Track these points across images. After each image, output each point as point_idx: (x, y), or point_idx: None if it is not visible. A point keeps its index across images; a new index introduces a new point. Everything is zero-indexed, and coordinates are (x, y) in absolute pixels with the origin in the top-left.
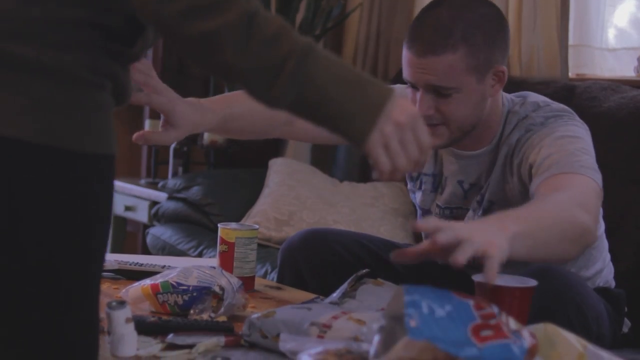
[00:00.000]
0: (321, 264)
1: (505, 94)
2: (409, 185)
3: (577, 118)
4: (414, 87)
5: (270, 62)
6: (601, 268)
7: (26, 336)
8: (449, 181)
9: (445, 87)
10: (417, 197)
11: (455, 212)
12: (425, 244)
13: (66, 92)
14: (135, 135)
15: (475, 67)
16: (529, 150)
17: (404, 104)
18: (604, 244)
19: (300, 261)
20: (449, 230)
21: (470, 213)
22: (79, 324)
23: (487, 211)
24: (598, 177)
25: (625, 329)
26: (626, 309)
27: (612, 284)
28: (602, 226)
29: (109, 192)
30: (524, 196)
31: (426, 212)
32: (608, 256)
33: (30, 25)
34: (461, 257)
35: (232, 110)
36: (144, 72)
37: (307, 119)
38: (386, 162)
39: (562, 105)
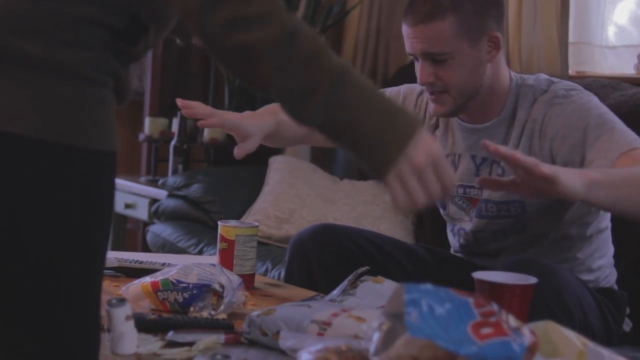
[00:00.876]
0: (331, 257)
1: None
2: None
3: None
4: (416, 58)
5: (306, 83)
6: (605, 264)
7: (28, 335)
8: (463, 157)
9: (439, 53)
10: None
11: (468, 192)
12: (511, 177)
13: (70, 89)
14: (236, 153)
15: (466, 33)
16: (570, 132)
17: (428, 142)
18: (609, 240)
19: (310, 254)
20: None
21: (481, 192)
22: (80, 322)
23: None
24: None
25: (626, 328)
26: (628, 310)
27: (613, 276)
28: (606, 219)
29: (110, 188)
30: None
31: None
32: (612, 259)
33: (37, 22)
34: (542, 170)
35: (279, 117)
36: (207, 113)
37: (332, 140)
38: (403, 198)
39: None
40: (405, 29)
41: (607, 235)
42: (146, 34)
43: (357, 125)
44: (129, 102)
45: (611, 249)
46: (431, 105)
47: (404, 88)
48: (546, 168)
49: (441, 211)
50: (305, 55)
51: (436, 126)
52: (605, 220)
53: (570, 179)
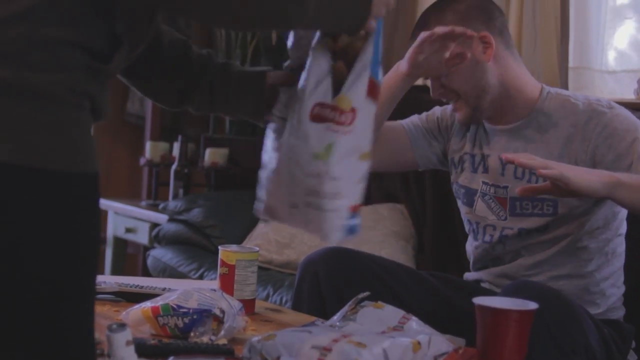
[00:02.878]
0: (341, 280)
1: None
2: (452, 176)
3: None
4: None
5: None
6: (617, 295)
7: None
8: (491, 158)
9: None
10: (461, 178)
11: (497, 191)
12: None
13: (43, 112)
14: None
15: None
16: (617, 141)
17: None
18: (622, 275)
19: (321, 276)
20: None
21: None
22: (72, 346)
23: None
24: None
25: (630, 359)
26: (634, 344)
27: (621, 312)
28: (622, 244)
29: (92, 211)
30: None
31: (471, 192)
32: (622, 297)
33: (7, 46)
34: (543, 173)
35: None
36: None
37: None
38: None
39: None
40: None
41: (621, 264)
42: (119, 50)
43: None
44: (126, 125)
45: (623, 287)
46: (456, 116)
47: (437, 110)
48: (550, 170)
49: (464, 210)
50: None
51: (467, 129)
52: (621, 246)
53: (585, 177)
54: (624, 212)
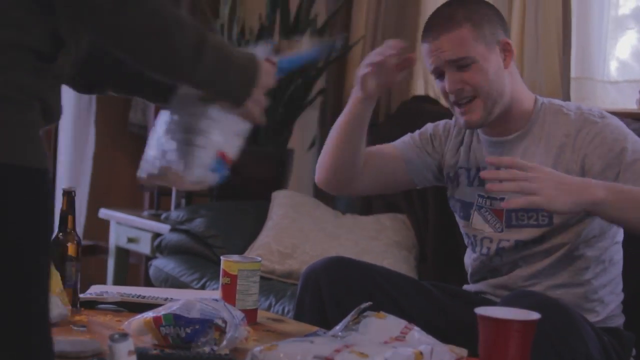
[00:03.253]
0: (343, 290)
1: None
2: (449, 191)
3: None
4: (440, 75)
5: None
6: (616, 302)
7: None
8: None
9: (463, 58)
10: (457, 192)
11: (494, 204)
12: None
13: None
14: None
15: (482, 38)
16: (607, 152)
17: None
18: (621, 282)
19: (322, 286)
20: (521, 181)
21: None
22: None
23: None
24: None
25: None
26: (635, 352)
27: (621, 319)
28: (619, 252)
29: (41, 206)
30: None
31: (467, 206)
32: (621, 305)
33: None
34: (510, 204)
35: None
36: None
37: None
38: (259, 113)
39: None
40: (426, 47)
41: (619, 272)
42: (64, 49)
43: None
44: (128, 134)
45: (622, 295)
46: (461, 119)
47: (429, 127)
48: (517, 200)
49: (461, 223)
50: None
51: (461, 143)
52: (618, 254)
53: (559, 199)
54: None
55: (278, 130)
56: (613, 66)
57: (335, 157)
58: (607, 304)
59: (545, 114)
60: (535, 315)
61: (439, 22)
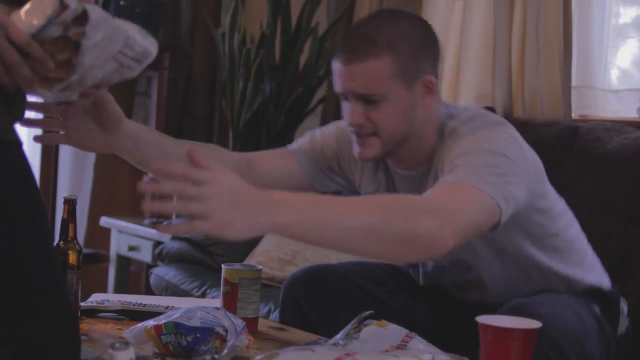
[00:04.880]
0: (321, 300)
1: (448, 107)
2: None
3: (515, 134)
4: (345, 98)
5: None
6: (584, 272)
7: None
8: None
9: (372, 94)
10: None
11: None
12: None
13: None
14: None
15: (401, 74)
16: (445, 158)
17: None
18: (583, 248)
19: (300, 300)
20: (191, 199)
21: None
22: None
23: None
24: (497, 192)
25: (622, 329)
26: (626, 309)
27: (606, 284)
28: (573, 227)
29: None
30: None
31: None
32: (595, 261)
33: None
34: (175, 230)
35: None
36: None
37: None
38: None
39: (501, 119)
40: (337, 67)
41: (578, 244)
42: None
43: None
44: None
45: (587, 251)
46: (356, 149)
47: (335, 129)
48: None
49: None
50: None
51: (376, 170)
52: (570, 230)
53: (235, 224)
54: (549, 202)
55: (279, 138)
56: (614, 75)
57: None
58: (570, 267)
59: (440, 141)
60: (537, 324)
61: (357, 45)
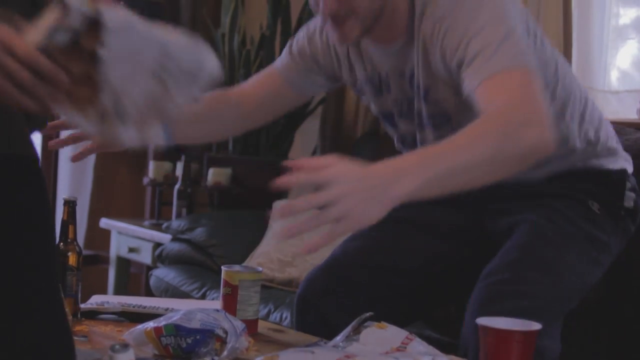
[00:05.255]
0: (344, 307)
1: None
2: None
3: None
4: None
5: None
6: (597, 125)
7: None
8: (392, 75)
9: None
10: (372, 107)
11: (411, 106)
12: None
13: None
14: None
15: None
16: (450, 44)
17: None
18: (589, 103)
19: (322, 310)
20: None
21: (417, 104)
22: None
23: (427, 99)
24: (528, 60)
25: (630, 203)
26: (629, 185)
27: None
28: (569, 77)
29: (30, 195)
30: (456, 91)
31: (388, 116)
32: (605, 121)
33: None
34: (317, 245)
35: None
36: None
37: None
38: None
39: None
40: None
41: (585, 102)
42: None
43: None
44: (132, 146)
45: (596, 112)
46: (334, 35)
47: (304, 34)
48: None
49: (393, 133)
50: None
51: (347, 55)
52: (569, 86)
53: (372, 210)
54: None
55: (279, 139)
56: (614, 76)
57: None
58: (590, 140)
59: (416, 13)
60: (537, 326)
61: None
